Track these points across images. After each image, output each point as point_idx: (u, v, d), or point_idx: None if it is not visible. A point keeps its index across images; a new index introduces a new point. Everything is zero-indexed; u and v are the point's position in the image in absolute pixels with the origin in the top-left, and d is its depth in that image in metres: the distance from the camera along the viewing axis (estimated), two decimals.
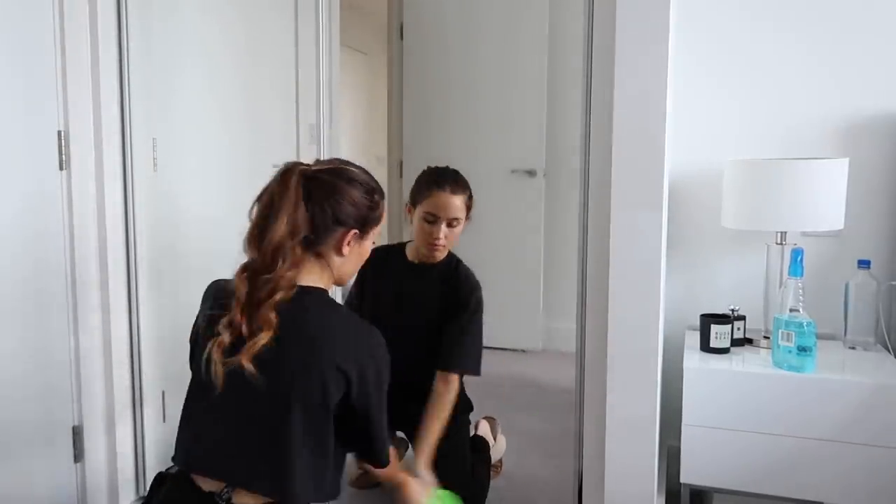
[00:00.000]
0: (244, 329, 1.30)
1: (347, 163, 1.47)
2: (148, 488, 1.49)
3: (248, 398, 1.33)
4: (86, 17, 2.01)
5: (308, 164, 1.41)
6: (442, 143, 4.03)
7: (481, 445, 2.38)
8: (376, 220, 1.47)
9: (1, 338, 1.83)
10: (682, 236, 2.23)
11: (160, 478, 1.48)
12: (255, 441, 1.35)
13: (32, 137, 1.91)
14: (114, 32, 2.08)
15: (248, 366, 1.28)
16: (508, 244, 3.93)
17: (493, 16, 3.95)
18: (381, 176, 5.00)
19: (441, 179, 2.12)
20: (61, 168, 1.98)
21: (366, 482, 2.44)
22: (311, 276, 1.40)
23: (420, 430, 2.03)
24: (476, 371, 2.17)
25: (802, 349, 1.82)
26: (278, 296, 1.30)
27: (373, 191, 1.45)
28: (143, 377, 2.22)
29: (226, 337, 1.30)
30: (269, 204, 1.34)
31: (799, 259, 1.87)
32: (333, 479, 1.44)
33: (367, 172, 1.48)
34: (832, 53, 2.10)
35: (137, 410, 2.22)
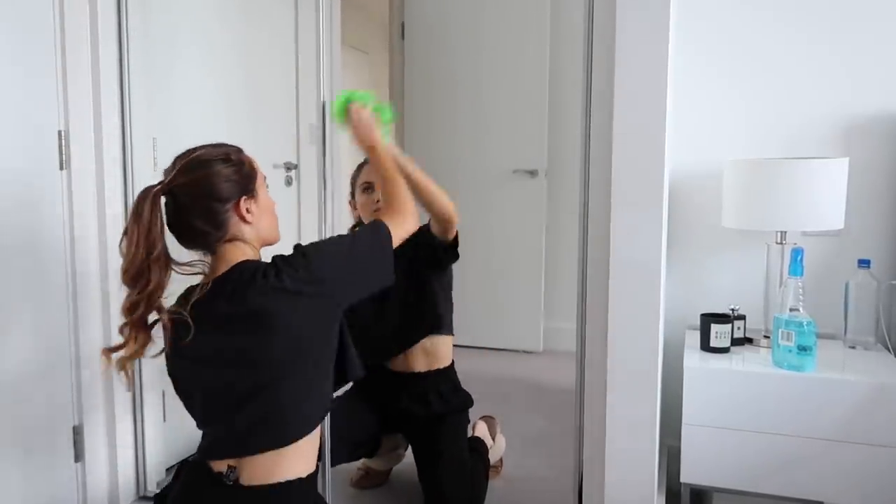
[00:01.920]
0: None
1: (189, 151, 1.48)
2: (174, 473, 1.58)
3: (227, 389, 1.43)
4: (86, 17, 2.01)
5: (159, 182, 1.43)
6: (443, 142, 4.03)
7: (479, 447, 2.38)
8: (253, 174, 1.51)
9: (1, 337, 1.83)
10: (682, 236, 2.23)
11: (183, 463, 1.57)
12: (247, 414, 1.42)
13: (32, 137, 1.91)
14: (114, 32, 2.08)
15: (127, 371, 1.45)
16: (510, 244, 3.93)
17: (494, 15, 3.94)
18: None
19: (363, 162, 2.26)
20: (61, 168, 1.98)
21: (366, 482, 2.44)
22: (232, 261, 1.46)
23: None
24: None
25: (802, 348, 1.82)
26: (137, 313, 1.39)
27: (228, 155, 1.48)
28: (144, 377, 2.23)
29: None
30: (125, 232, 1.41)
31: (799, 258, 1.87)
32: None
33: (214, 145, 1.50)
34: (833, 53, 2.10)
35: (138, 410, 2.22)
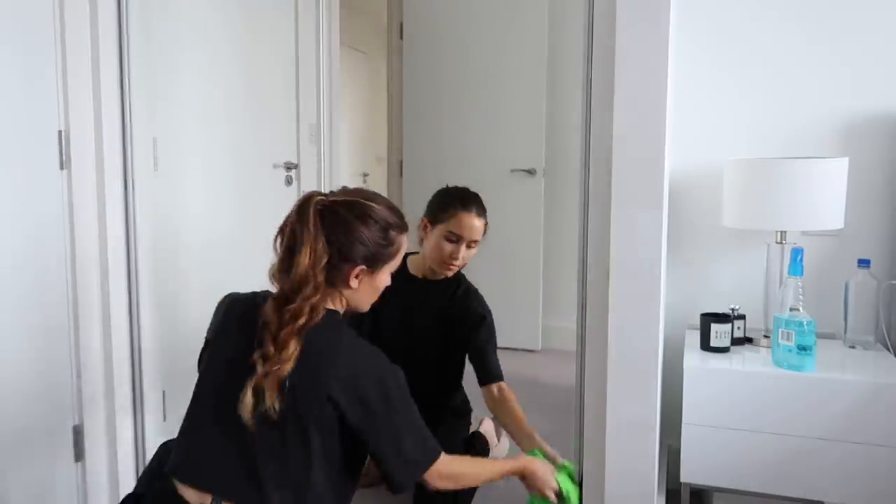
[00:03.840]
0: (272, 355, 1.32)
1: (371, 197, 1.45)
2: None
3: (256, 418, 1.34)
4: (86, 16, 2.01)
5: (326, 195, 1.42)
6: (442, 142, 4.03)
7: (479, 442, 2.39)
8: (389, 257, 1.46)
9: (1, 337, 1.83)
10: (683, 236, 2.23)
11: (135, 498, 1.47)
12: (251, 456, 1.35)
13: (32, 137, 1.91)
14: (114, 32, 2.08)
15: (273, 397, 1.30)
16: (508, 244, 3.93)
17: (492, 15, 3.95)
18: (381, 175, 5.01)
19: (467, 201, 2.16)
20: (61, 168, 1.98)
21: (366, 482, 2.44)
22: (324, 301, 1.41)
23: (519, 433, 2.12)
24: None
25: (802, 348, 1.82)
26: (301, 320, 1.33)
27: (388, 227, 1.44)
28: (144, 377, 2.22)
29: (260, 369, 1.32)
30: (291, 236, 1.37)
31: (799, 258, 1.87)
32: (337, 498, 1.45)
33: (389, 206, 1.47)
34: (832, 53, 2.10)
35: (138, 410, 2.22)
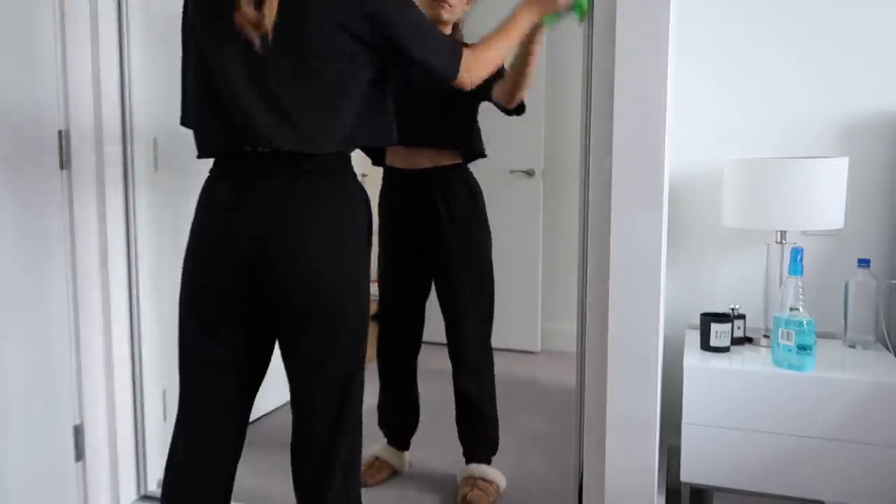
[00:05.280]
0: None
1: None
2: None
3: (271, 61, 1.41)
4: (86, 16, 2.01)
5: None
6: None
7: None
8: None
9: (2, 337, 1.83)
10: (683, 236, 2.24)
11: None
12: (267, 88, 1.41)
13: (32, 137, 1.91)
14: (114, 32, 2.08)
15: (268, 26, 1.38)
16: (507, 244, 3.93)
17: (492, 14, 3.94)
18: (379, 176, 4.99)
19: None
20: (61, 168, 1.98)
21: (372, 479, 2.44)
22: None
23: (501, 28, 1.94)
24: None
25: (802, 348, 1.83)
26: None
27: None
28: (144, 376, 2.23)
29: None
30: None
31: (799, 258, 1.87)
32: (376, 122, 1.52)
33: None
34: (831, 53, 2.10)
35: (138, 410, 2.22)
